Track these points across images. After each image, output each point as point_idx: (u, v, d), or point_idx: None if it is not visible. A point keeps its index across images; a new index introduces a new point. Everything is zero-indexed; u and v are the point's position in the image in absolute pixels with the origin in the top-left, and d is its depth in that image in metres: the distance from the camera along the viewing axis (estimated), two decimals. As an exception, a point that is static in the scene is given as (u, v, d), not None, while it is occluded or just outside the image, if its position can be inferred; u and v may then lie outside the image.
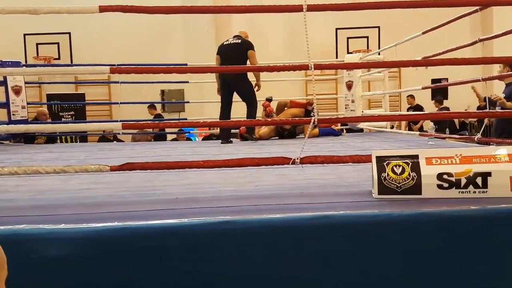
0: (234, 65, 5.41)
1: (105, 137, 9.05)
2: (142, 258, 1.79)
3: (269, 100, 6.86)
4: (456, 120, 10.80)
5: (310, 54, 2.57)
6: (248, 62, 5.93)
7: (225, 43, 6.20)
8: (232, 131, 6.46)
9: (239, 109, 6.43)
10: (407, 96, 10.37)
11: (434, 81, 9.57)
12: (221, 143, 5.84)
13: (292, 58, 9.01)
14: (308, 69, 2.49)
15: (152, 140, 8.62)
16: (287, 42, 11.55)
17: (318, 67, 2.54)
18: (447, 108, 9.83)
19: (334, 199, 2.19)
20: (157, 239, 1.79)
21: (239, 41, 6.07)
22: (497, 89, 9.12)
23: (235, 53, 5.93)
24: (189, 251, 1.80)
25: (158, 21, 10.66)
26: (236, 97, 6.17)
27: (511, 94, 4.82)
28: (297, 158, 2.42)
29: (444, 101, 10.50)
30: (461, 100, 10.24)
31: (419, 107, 10.11)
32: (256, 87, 6.25)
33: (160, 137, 8.63)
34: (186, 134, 9.04)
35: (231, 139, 6.03)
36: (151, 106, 9.90)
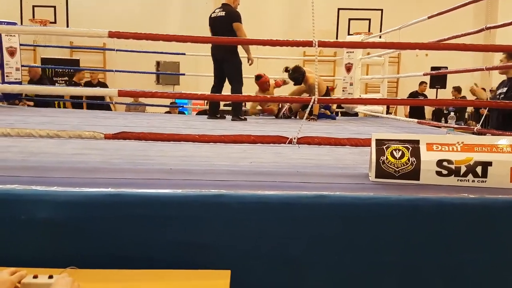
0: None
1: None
2: (134, 225, 1.76)
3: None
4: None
5: (310, 33, 2.52)
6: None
7: (212, 15, 5.76)
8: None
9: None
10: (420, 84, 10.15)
11: (433, 68, 9.51)
12: (208, 118, 5.79)
13: (290, 37, 8.90)
14: (312, 46, 2.44)
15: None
16: (286, 21, 11.46)
17: (322, 44, 2.49)
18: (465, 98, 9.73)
19: (330, 179, 2.17)
20: (150, 208, 1.76)
21: (224, 13, 5.60)
22: (495, 80, 9.10)
23: (221, 27, 5.48)
24: (182, 222, 1.77)
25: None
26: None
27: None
28: (294, 138, 2.39)
29: (442, 90, 10.45)
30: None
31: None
32: (250, 61, 5.92)
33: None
34: (179, 108, 8.96)
35: (220, 115, 5.97)
36: None
